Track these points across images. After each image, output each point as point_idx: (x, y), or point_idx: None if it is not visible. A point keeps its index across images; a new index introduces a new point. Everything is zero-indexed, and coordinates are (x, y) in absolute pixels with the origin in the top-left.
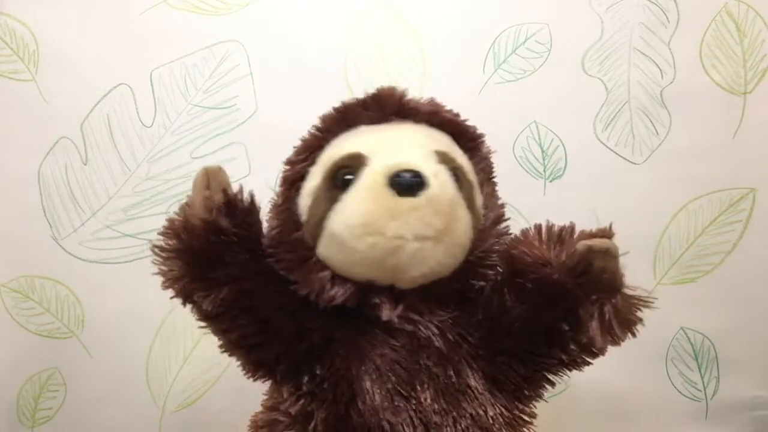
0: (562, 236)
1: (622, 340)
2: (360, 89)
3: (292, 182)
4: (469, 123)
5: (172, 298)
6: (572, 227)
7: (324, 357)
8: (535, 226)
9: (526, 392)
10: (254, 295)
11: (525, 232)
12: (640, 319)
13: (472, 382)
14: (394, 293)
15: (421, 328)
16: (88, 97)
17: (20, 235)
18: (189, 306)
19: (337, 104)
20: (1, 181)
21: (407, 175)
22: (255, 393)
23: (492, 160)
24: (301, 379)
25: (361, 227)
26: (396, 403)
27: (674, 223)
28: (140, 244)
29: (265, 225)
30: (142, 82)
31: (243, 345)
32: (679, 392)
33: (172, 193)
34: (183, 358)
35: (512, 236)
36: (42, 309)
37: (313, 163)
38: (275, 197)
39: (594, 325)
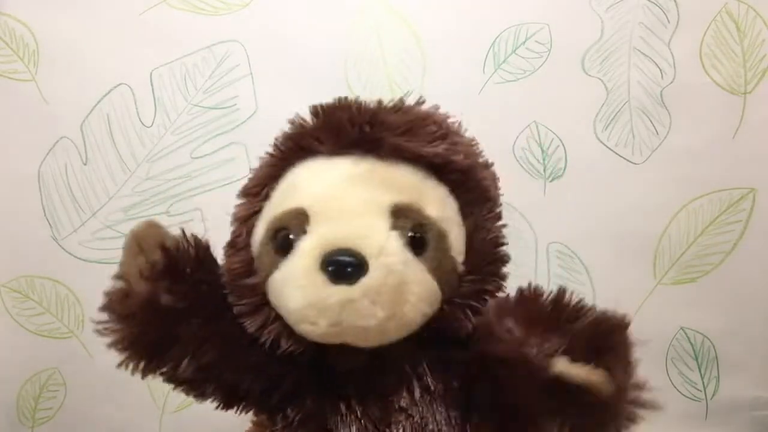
0: (564, 315)
1: None
2: (360, 89)
3: (246, 219)
4: (449, 153)
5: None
6: (580, 309)
7: (295, 399)
8: (534, 292)
9: None
10: (217, 363)
11: (519, 302)
12: None
13: (445, 429)
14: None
15: (394, 372)
16: (88, 97)
17: (20, 235)
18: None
19: (292, 127)
20: (1, 181)
21: (342, 259)
22: None
23: (489, 179)
24: (276, 419)
25: (295, 314)
26: None
27: (674, 223)
28: None
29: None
30: (142, 82)
31: (217, 406)
32: (679, 392)
33: (172, 193)
34: None
35: (502, 298)
36: (42, 309)
37: (267, 197)
38: (232, 232)
39: None
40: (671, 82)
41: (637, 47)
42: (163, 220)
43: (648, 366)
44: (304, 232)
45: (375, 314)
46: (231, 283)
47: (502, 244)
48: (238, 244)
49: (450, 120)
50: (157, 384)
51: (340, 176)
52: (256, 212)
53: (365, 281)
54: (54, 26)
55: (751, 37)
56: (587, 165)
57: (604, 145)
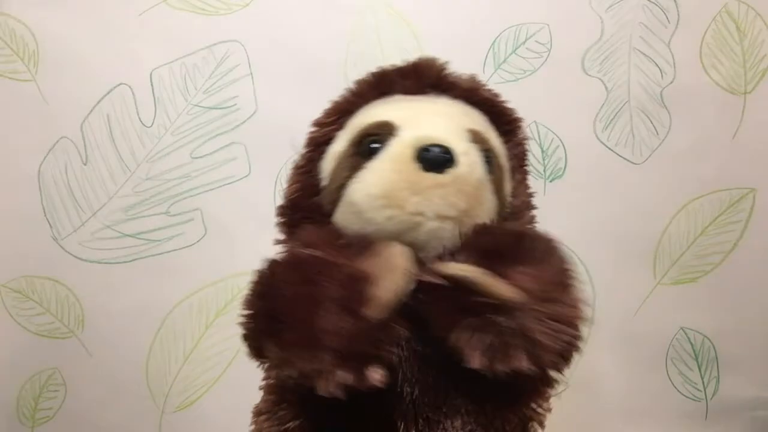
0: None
1: (512, 370)
2: None
3: (318, 144)
4: (508, 104)
5: None
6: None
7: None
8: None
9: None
10: None
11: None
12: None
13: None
14: None
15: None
16: (88, 97)
17: (20, 235)
18: None
19: (375, 69)
20: (1, 181)
21: (436, 150)
22: (255, 393)
23: (527, 146)
24: None
25: (381, 198)
26: (397, 391)
27: (674, 223)
28: (140, 244)
29: None
30: (142, 82)
31: None
32: (679, 392)
33: (172, 193)
34: (183, 358)
35: None
36: (42, 309)
37: (341, 127)
38: (298, 159)
39: (469, 351)
40: (671, 82)
41: (637, 47)
42: (163, 220)
43: (648, 366)
44: (393, 137)
45: (458, 204)
46: (294, 203)
47: (534, 206)
48: (304, 166)
49: None
50: (157, 384)
51: (421, 104)
52: (328, 140)
53: (455, 170)
54: (54, 26)
55: (751, 37)
56: (587, 165)
57: (604, 145)
